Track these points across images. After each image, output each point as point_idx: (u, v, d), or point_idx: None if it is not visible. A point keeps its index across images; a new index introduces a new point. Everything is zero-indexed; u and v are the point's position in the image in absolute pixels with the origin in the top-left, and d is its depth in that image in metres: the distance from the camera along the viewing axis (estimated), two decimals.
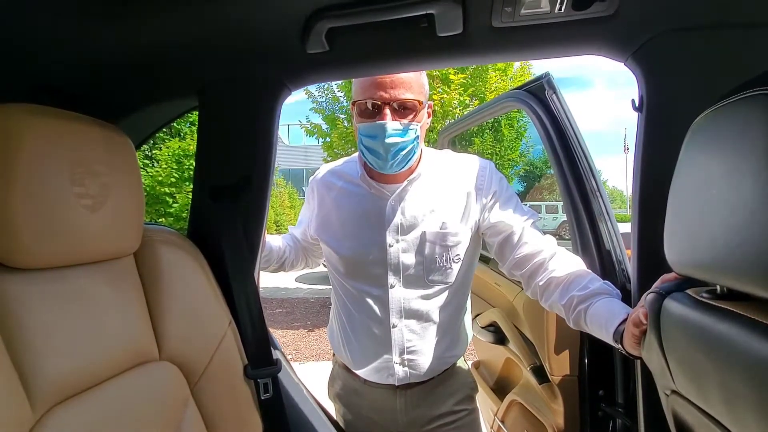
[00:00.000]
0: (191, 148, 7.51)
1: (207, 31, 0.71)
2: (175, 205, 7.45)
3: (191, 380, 0.70)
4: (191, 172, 4.85)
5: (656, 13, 0.67)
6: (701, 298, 0.49)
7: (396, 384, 0.99)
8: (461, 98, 5.91)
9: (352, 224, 0.98)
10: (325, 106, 6.84)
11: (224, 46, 0.75)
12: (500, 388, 1.53)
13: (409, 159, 0.91)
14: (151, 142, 7.47)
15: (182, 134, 8.20)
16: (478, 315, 1.54)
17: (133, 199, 0.65)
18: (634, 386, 0.82)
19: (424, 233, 0.94)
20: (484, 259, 1.56)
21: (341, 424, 1.07)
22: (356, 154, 1.01)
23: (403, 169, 0.92)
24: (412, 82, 0.88)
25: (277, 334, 3.36)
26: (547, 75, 1.11)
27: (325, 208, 1.03)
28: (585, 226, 1.05)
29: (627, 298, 0.80)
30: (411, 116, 0.89)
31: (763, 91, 0.39)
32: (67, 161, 0.55)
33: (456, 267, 0.96)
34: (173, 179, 7.51)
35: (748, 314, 0.41)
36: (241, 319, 0.81)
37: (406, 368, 0.97)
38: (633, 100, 0.74)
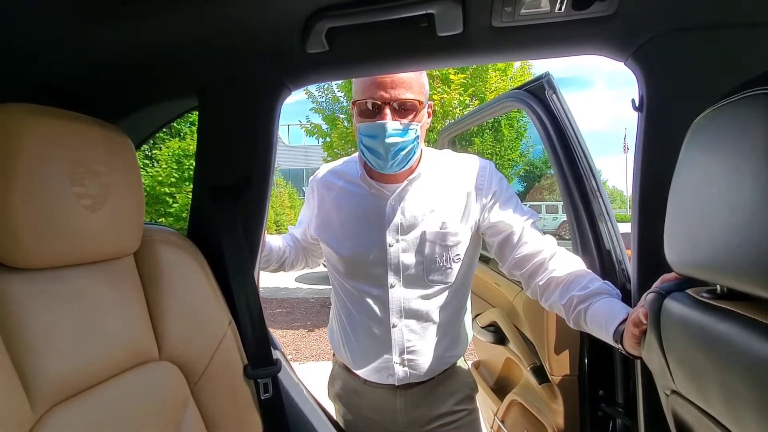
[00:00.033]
0: (191, 148, 7.51)
1: (207, 31, 0.71)
2: (175, 205, 7.45)
3: (191, 380, 0.70)
4: (191, 172, 4.85)
5: (656, 13, 0.67)
6: (701, 298, 0.49)
7: (396, 384, 0.99)
8: (461, 98, 5.91)
9: (352, 224, 0.98)
10: (325, 106, 6.84)
11: (224, 46, 0.75)
12: (500, 388, 1.53)
13: (409, 159, 0.91)
14: (151, 142, 7.47)
15: (182, 134, 8.20)
16: (478, 315, 1.54)
17: (133, 199, 0.65)
18: (634, 386, 0.82)
19: (424, 233, 0.94)
20: (484, 259, 1.56)
21: (341, 424, 1.07)
22: (356, 154, 1.01)
23: (403, 169, 0.92)
24: (412, 82, 0.89)
25: (277, 334, 3.36)
26: (547, 75, 1.11)
27: (325, 208, 1.03)
28: (585, 226, 1.04)
29: (627, 298, 0.80)
30: (411, 116, 0.89)
31: (763, 90, 0.39)
32: (67, 161, 0.55)
33: (456, 267, 0.96)
34: (173, 179, 7.51)
35: (748, 314, 0.41)
36: (241, 319, 0.81)
37: (406, 368, 0.97)
38: (633, 100, 0.74)
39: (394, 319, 0.96)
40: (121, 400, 0.58)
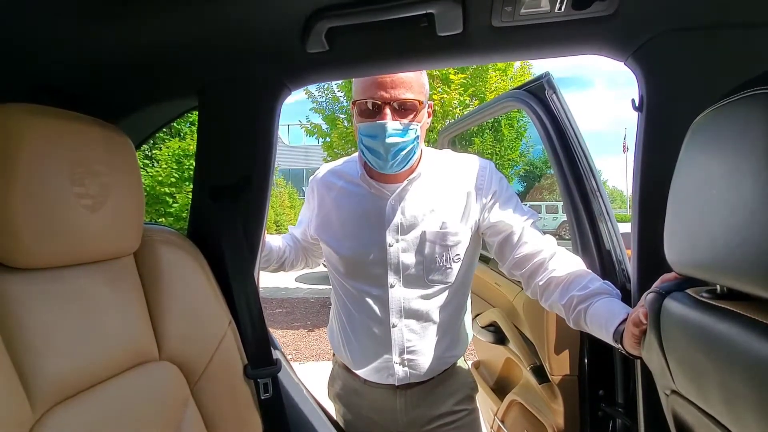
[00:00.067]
0: (191, 148, 7.51)
1: (207, 31, 0.71)
2: (175, 205, 7.45)
3: (191, 380, 0.70)
4: (191, 172, 4.85)
5: (656, 13, 0.67)
6: (701, 298, 0.49)
7: (396, 384, 0.99)
8: (461, 98, 5.91)
9: (352, 224, 0.98)
10: (325, 106, 6.84)
11: (224, 46, 0.75)
12: (500, 388, 1.53)
13: (409, 159, 0.91)
14: (151, 142, 7.47)
15: (182, 134, 8.20)
16: (478, 315, 1.54)
17: (133, 199, 0.65)
18: (634, 386, 0.82)
19: (424, 233, 0.94)
20: (484, 259, 1.56)
21: (341, 424, 1.07)
22: (356, 154, 1.01)
23: (404, 169, 0.92)
24: (412, 82, 0.88)
25: (277, 334, 3.36)
26: (547, 75, 1.11)
27: (325, 207, 1.03)
28: (585, 226, 1.04)
29: (627, 298, 0.80)
30: (411, 116, 0.89)
31: (763, 90, 0.39)
32: (67, 161, 0.55)
33: (456, 267, 0.96)
34: (173, 179, 7.51)
35: (748, 314, 0.41)
36: (241, 319, 0.81)
37: (406, 368, 0.97)
38: (633, 100, 0.74)
39: (394, 319, 0.96)
40: (121, 400, 0.58)
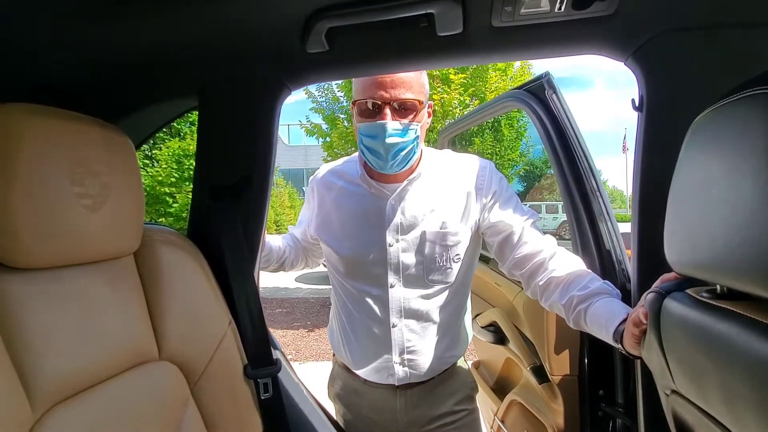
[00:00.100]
0: (191, 148, 7.51)
1: (207, 31, 0.71)
2: (175, 205, 7.45)
3: (191, 380, 0.70)
4: (191, 172, 4.85)
5: (656, 13, 0.67)
6: (701, 298, 0.49)
7: (396, 384, 0.99)
8: (461, 98, 5.91)
9: (352, 224, 0.98)
10: (325, 106, 6.84)
11: (224, 46, 0.75)
12: (500, 388, 1.53)
13: (409, 159, 0.91)
14: (151, 142, 7.47)
15: (182, 134, 8.20)
16: (478, 315, 1.54)
17: (133, 199, 0.65)
18: (634, 386, 0.82)
19: (424, 233, 0.94)
20: (484, 259, 1.56)
21: (341, 424, 1.07)
22: (356, 154, 1.01)
23: (404, 169, 0.92)
24: (412, 82, 0.88)
25: (277, 334, 3.36)
26: (547, 75, 1.11)
27: (325, 207, 1.03)
28: (585, 226, 1.04)
29: (627, 298, 0.80)
30: (411, 116, 0.89)
31: (763, 90, 0.39)
32: (67, 161, 0.55)
33: (456, 267, 0.96)
34: (173, 179, 7.51)
35: (748, 314, 0.41)
36: (241, 319, 0.81)
37: (406, 368, 0.97)
38: (633, 100, 0.74)
39: (394, 319, 0.96)
40: (121, 400, 0.58)
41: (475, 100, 6.10)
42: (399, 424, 1.01)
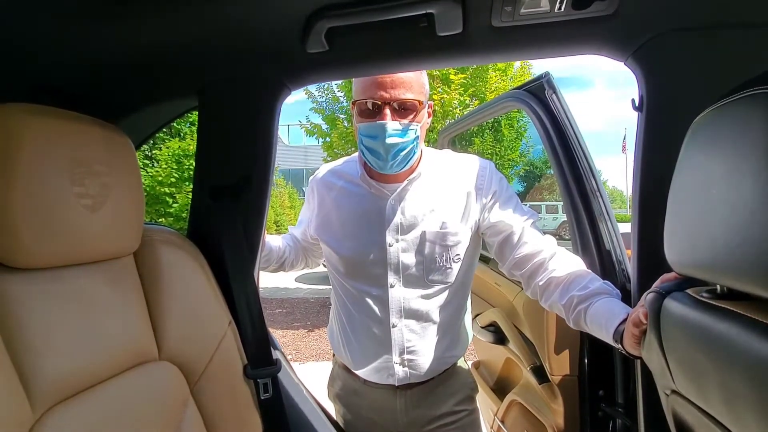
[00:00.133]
0: (191, 148, 7.51)
1: (207, 31, 0.71)
2: (175, 205, 7.44)
3: (191, 380, 0.70)
4: (191, 172, 4.85)
5: (656, 13, 0.67)
6: (701, 298, 0.49)
7: (396, 384, 0.99)
8: (461, 98, 5.92)
9: (352, 224, 0.98)
10: (325, 106, 6.85)
11: (224, 46, 0.75)
12: (500, 388, 1.53)
13: (409, 159, 0.91)
14: (151, 142, 7.47)
15: (182, 134, 8.20)
16: (478, 315, 1.54)
17: (133, 199, 0.65)
18: (634, 386, 0.82)
19: (424, 233, 0.94)
20: (484, 259, 1.56)
21: (341, 424, 1.07)
22: (356, 154, 1.01)
23: (404, 169, 0.92)
24: (412, 82, 0.88)
25: (277, 334, 3.36)
26: (547, 75, 1.11)
27: (325, 208, 1.03)
28: (585, 226, 1.04)
29: (627, 298, 0.80)
30: (411, 116, 0.89)
31: (763, 90, 0.39)
32: (67, 161, 0.55)
33: (456, 267, 0.96)
34: (173, 179, 7.50)
35: (748, 314, 0.41)
36: (241, 319, 0.81)
37: (406, 368, 0.97)
38: (633, 100, 0.74)
39: (394, 319, 0.96)
40: (121, 400, 0.58)
41: (475, 100, 6.11)
42: (399, 424, 1.01)
